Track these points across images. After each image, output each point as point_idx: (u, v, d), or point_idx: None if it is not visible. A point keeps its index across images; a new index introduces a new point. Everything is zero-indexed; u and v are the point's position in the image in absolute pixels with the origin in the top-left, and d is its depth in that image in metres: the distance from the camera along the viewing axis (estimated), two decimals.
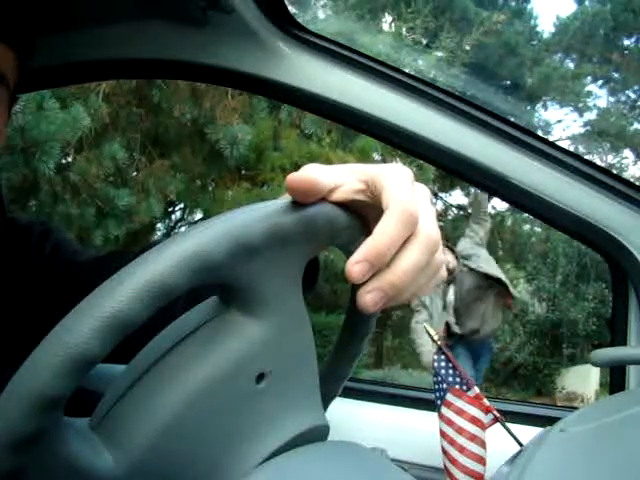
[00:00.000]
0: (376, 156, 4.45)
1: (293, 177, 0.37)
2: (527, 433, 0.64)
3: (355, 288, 0.38)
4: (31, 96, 2.37)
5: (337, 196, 0.39)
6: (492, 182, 0.88)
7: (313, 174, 0.37)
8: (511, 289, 4.07)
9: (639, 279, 0.85)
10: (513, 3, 9.67)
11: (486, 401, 0.78)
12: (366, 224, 0.41)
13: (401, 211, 0.36)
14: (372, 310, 0.37)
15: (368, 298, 0.37)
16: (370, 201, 0.39)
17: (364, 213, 0.41)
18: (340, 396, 0.54)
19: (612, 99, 9.73)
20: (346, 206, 0.40)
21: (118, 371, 0.38)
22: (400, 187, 0.37)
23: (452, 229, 7.51)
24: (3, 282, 0.71)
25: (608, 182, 0.86)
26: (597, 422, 0.41)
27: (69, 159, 3.27)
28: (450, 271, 3.66)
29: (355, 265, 0.36)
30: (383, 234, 0.36)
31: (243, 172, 4.48)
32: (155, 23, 0.87)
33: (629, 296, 0.88)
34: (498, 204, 8.22)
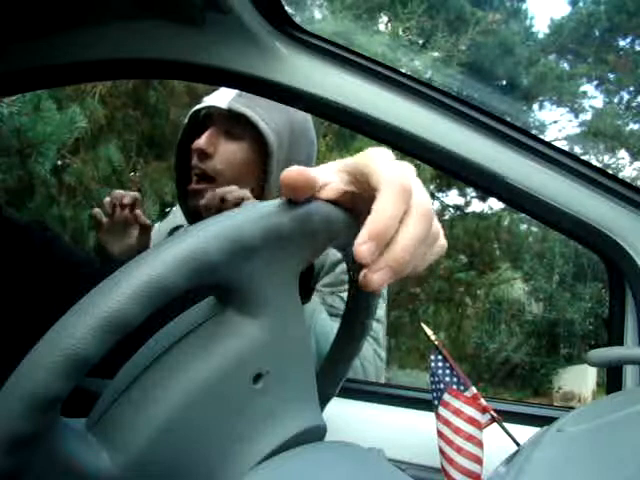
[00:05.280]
0: None
1: (288, 173, 0.37)
2: (524, 433, 0.64)
3: (352, 287, 0.38)
4: (27, 97, 2.36)
5: (328, 194, 0.39)
6: (489, 182, 0.88)
7: (305, 169, 0.37)
8: None
9: (636, 279, 0.85)
10: (508, 4, 9.68)
11: (483, 401, 0.78)
12: (362, 220, 0.41)
13: (395, 186, 0.36)
14: (379, 288, 0.37)
15: (375, 277, 0.36)
16: (361, 191, 0.39)
17: (357, 207, 0.41)
18: (337, 396, 0.54)
19: (607, 99, 9.76)
20: (339, 204, 0.40)
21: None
22: (387, 165, 0.38)
23: (450, 229, 7.49)
24: None
25: (605, 183, 0.86)
26: (594, 422, 0.41)
27: (66, 161, 3.26)
28: None
29: (362, 245, 0.35)
30: (383, 211, 0.36)
31: None
32: (152, 23, 0.87)
33: (626, 296, 0.88)
34: (495, 204, 8.23)
